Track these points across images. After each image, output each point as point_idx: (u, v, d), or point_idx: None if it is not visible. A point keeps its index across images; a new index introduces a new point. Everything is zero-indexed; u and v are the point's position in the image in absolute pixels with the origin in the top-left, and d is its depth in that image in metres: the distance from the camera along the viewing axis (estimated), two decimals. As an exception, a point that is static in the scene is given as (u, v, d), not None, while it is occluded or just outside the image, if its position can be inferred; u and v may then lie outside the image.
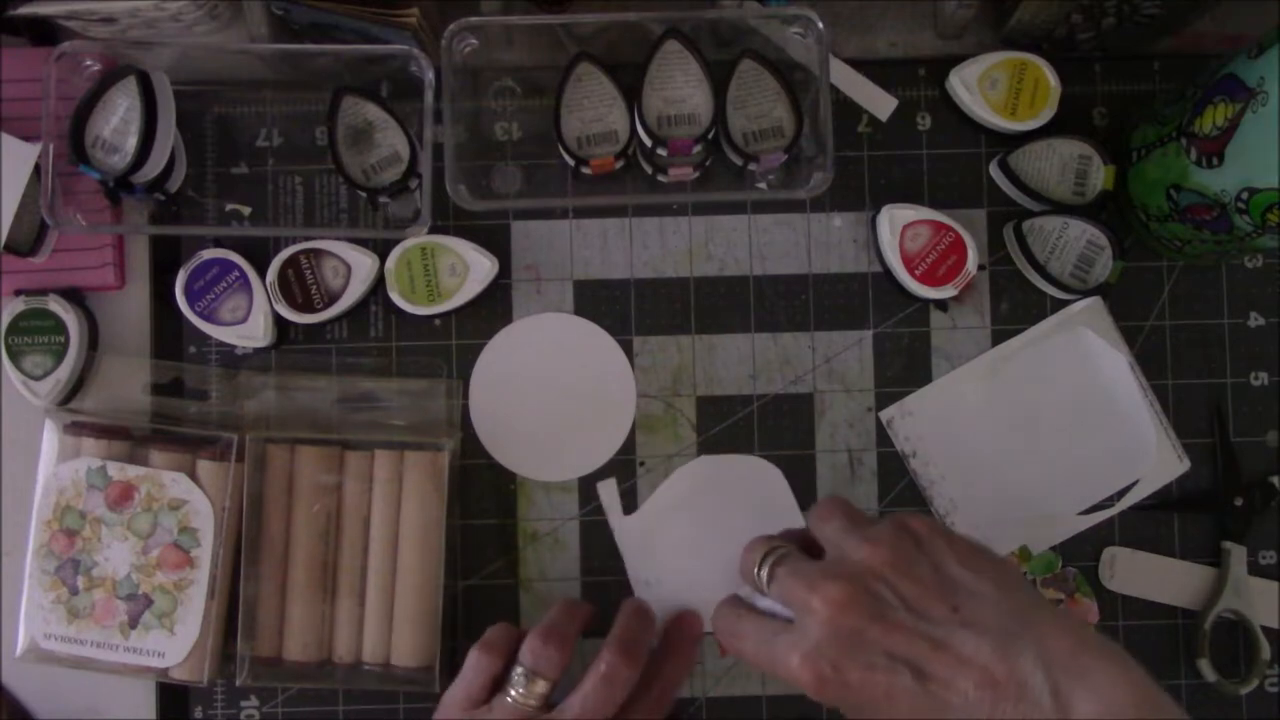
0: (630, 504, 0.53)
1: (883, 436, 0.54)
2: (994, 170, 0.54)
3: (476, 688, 0.47)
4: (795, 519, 0.53)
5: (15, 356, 0.51)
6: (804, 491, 0.53)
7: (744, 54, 0.51)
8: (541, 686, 0.46)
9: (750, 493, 0.53)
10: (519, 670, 0.46)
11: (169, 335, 0.54)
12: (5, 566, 0.52)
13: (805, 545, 0.45)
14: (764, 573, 0.43)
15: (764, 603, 0.44)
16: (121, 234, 0.53)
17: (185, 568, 0.50)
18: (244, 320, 0.52)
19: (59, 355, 0.51)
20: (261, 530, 0.51)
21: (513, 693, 0.46)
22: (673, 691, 0.49)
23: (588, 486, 0.53)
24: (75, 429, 0.51)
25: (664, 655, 0.49)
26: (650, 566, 0.53)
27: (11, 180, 0.50)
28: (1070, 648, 0.37)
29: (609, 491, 0.53)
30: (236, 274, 0.52)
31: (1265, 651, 0.52)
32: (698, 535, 0.52)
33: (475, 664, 0.47)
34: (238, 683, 0.50)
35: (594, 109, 0.51)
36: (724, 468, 0.53)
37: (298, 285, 0.52)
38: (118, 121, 0.50)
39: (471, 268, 0.52)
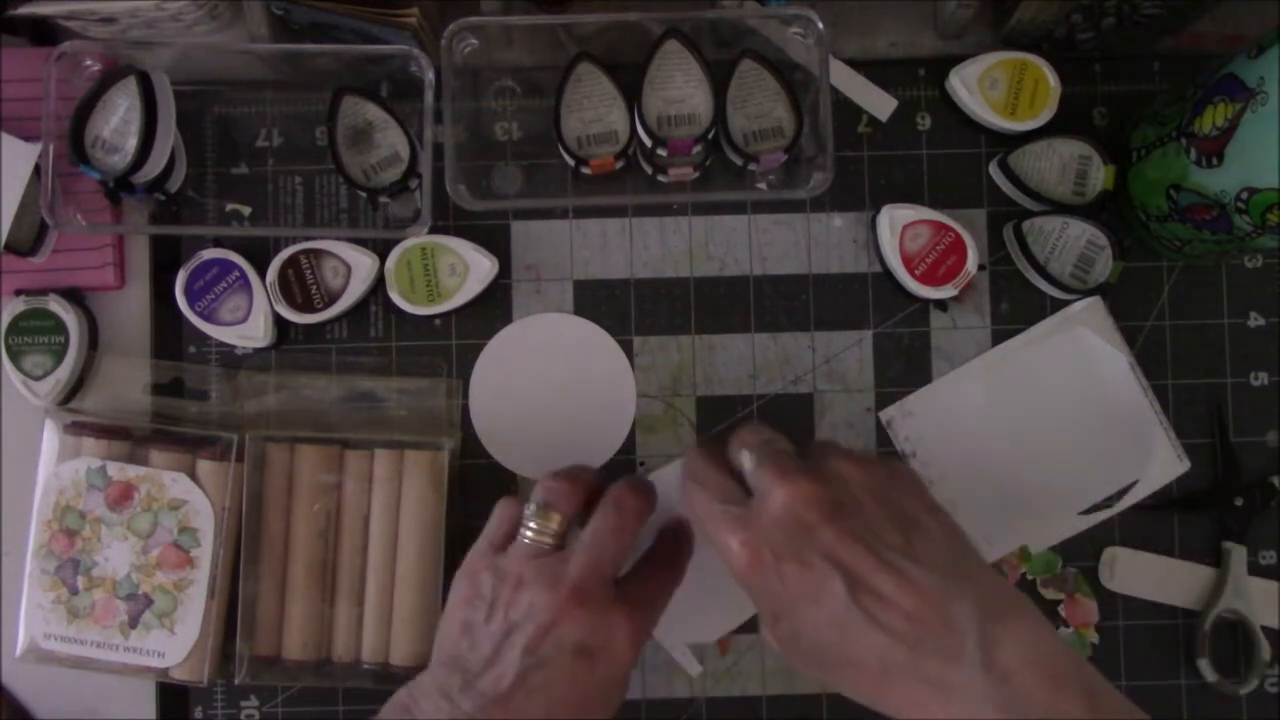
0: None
1: (883, 436, 0.54)
2: (994, 170, 0.54)
3: (499, 535, 0.46)
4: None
5: (15, 356, 0.51)
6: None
7: (744, 54, 0.51)
8: (555, 521, 0.45)
9: None
10: (532, 505, 0.46)
11: (169, 335, 0.54)
12: (5, 566, 0.52)
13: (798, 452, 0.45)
14: (750, 454, 0.43)
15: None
16: (121, 234, 0.53)
17: (185, 567, 0.50)
18: (244, 320, 0.52)
19: (59, 355, 0.51)
20: (261, 530, 0.51)
21: (528, 530, 0.45)
22: (675, 581, 0.48)
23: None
24: (75, 429, 0.51)
25: (664, 545, 0.49)
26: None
27: (11, 180, 0.50)
28: (1005, 602, 0.39)
29: None
30: (236, 274, 0.52)
31: (1265, 651, 0.52)
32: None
33: (499, 513, 0.47)
34: (237, 682, 0.50)
35: (594, 109, 0.51)
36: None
37: (298, 285, 0.52)
38: (118, 121, 0.50)
39: (471, 268, 0.52)
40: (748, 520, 0.40)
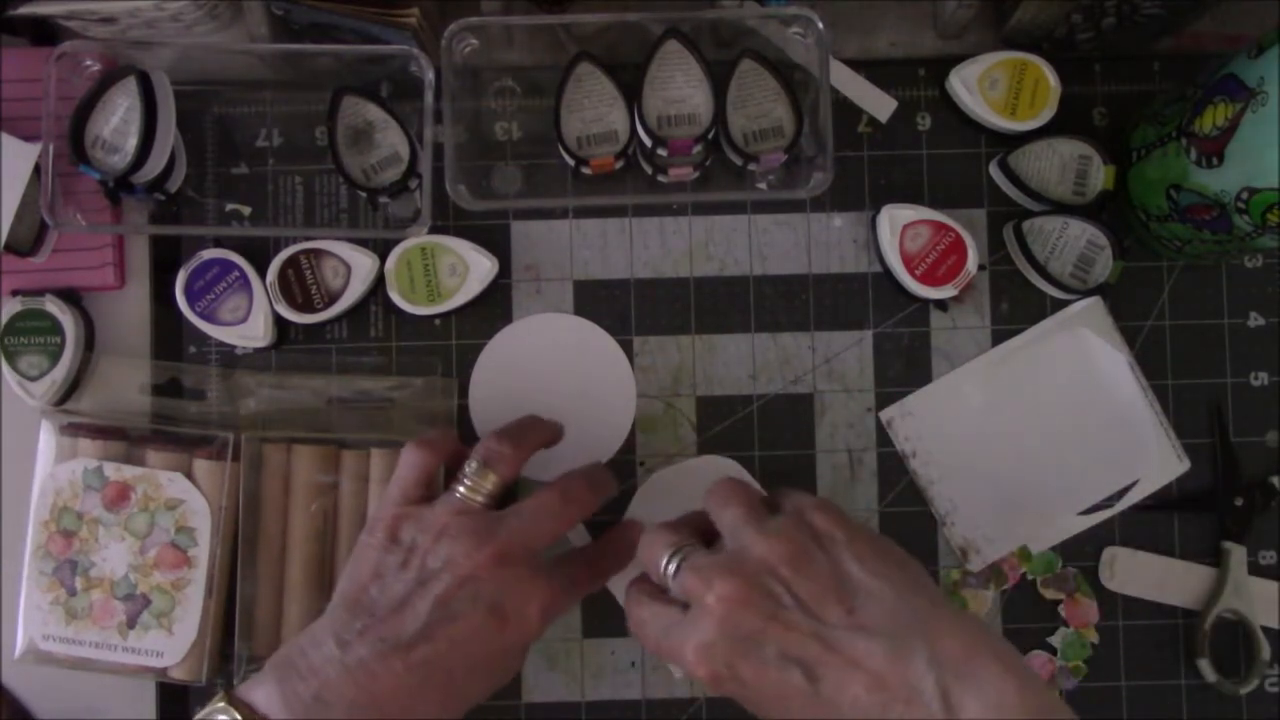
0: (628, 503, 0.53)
1: (883, 436, 0.54)
2: (994, 170, 0.54)
3: (411, 483, 0.45)
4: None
5: (11, 357, 0.51)
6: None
7: (744, 54, 0.51)
8: (491, 482, 0.45)
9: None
10: (472, 463, 0.45)
11: (169, 335, 0.54)
12: (4, 568, 0.52)
13: (707, 529, 0.44)
14: (670, 567, 0.42)
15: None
16: (121, 234, 0.53)
17: (183, 567, 0.50)
18: (244, 320, 0.52)
19: (55, 356, 0.51)
20: (258, 530, 0.51)
21: (462, 486, 0.44)
22: (601, 578, 0.48)
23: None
24: (72, 429, 0.51)
25: (603, 544, 0.49)
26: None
27: (11, 180, 0.50)
28: (962, 650, 0.37)
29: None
30: (236, 274, 0.52)
31: (1265, 651, 0.52)
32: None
33: (410, 459, 0.46)
34: (236, 682, 0.50)
35: (594, 109, 0.51)
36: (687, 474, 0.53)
37: (298, 285, 0.52)
38: (118, 121, 0.50)
39: (471, 268, 0.52)
40: (690, 636, 0.39)
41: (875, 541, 0.41)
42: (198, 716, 0.40)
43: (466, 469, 0.45)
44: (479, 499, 0.44)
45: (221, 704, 0.40)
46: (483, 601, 0.42)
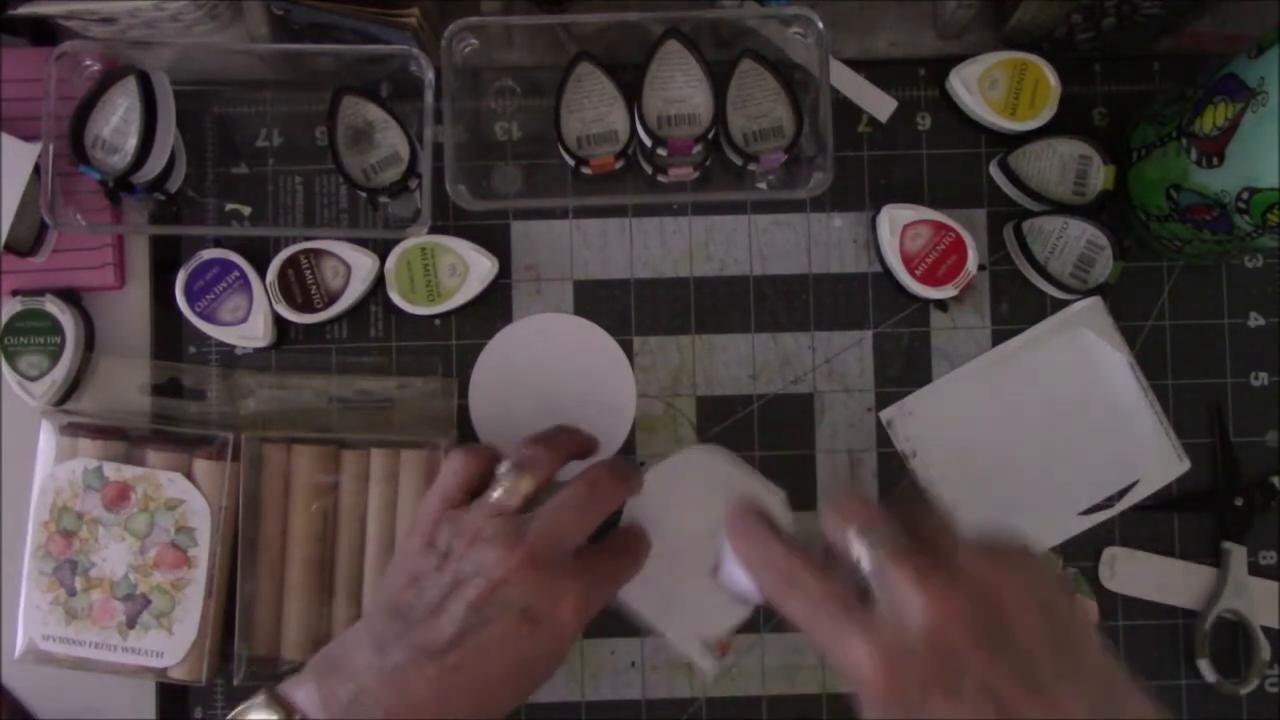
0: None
1: (883, 436, 0.54)
2: (994, 170, 0.54)
3: (453, 488, 0.45)
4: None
5: (11, 357, 0.51)
6: (804, 492, 0.53)
7: (744, 54, 0.51)
8: (526, 485, 0.44)
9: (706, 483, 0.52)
10: (505, 466, 0.45)
11: (169, 335, 0.54)
12: (4, 568, 0.52)
13: (907, 528, 0.38)
14: (865, 544, 0.37)
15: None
16: (121, 234, 0.53)
17: (182, 567, 0.50)
18: (244, 320, 0.52)
19: (55, 356, 0.51)
20: (258, 529, 0.51)
21: (497, 490, 0.44)
22: (628, 572, 0.47)
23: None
24: (71, 430, 0.51)
25: (621, 537, 0.48)
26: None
27: (11, 180, 0.50)
28: None
29: None
30: (236, 274, 0.52)
31: (1265, 651, 0.52)
32: (694, 525, 0.52)
33: (453, 465, 0.46)
34: (235, 682, 0.50)
35: (594, 109, 0.51)
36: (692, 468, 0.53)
37: (298, 285, 0.52)
38: (118, 121, 0.50)
39: (471, 268, 0.52)
40: (879, 633, 0.35)
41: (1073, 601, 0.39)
42: (238, 709, 0.41)
43: (500, 471, 0.45)
44: (514, 503, 0.44)
45: (262, 699, 0.40)
46: (514, 606, 0.41)
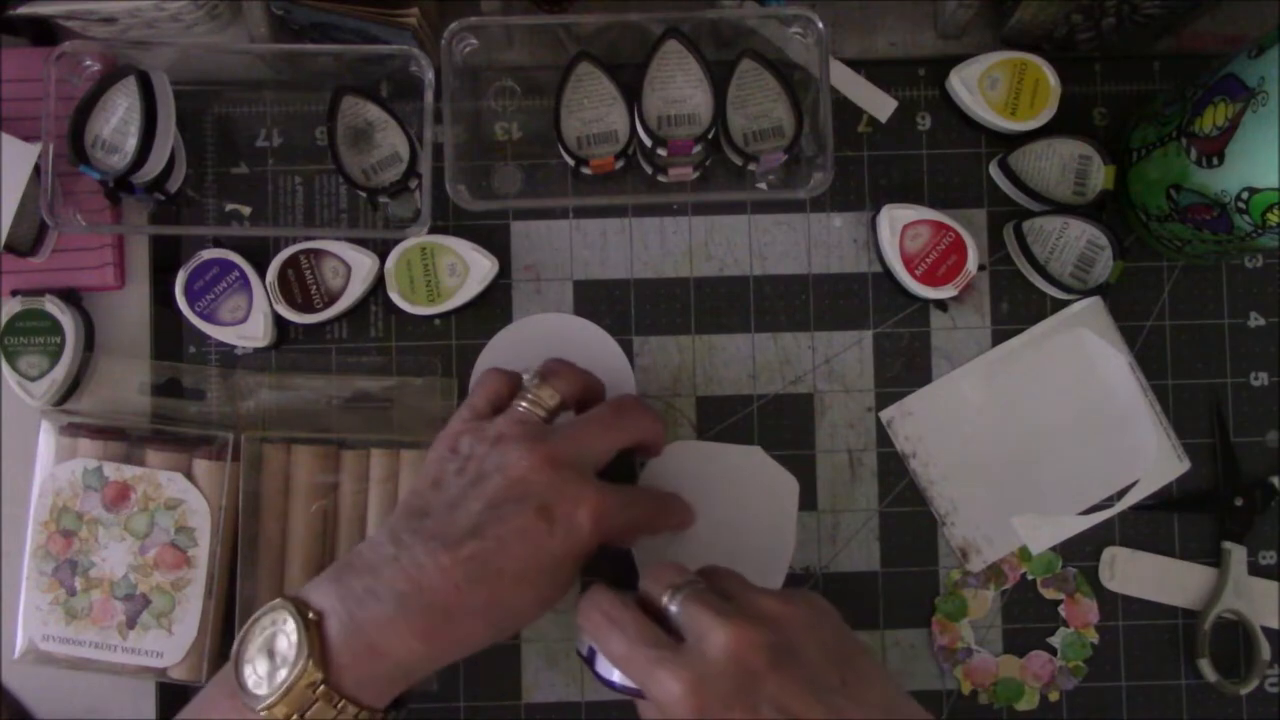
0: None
1: (883, 436, 0.54)
2: (994, 170, 0.54)
3: (481, 402, 0.46)
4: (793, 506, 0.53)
5: (11, 357, 0.51)
6: (804, 492, 0.53)
7: (744, 54, 0.51)
8: (550, 395, 0.45)
9: (745, 482, 0.53)
10: (529, 375, 0.46)
11: (169, 335, 0.54)
12: (3, 568, 0.52)
13: (712, 586, 0.43)
14: (674, 597, 0.41)
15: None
16: (121, 234, 0.53)
17: (182, 567, 0.50)
18: (244, 320, 0.52)
19: (54, 356, 0.51)
20: (258, 530, 0.51)
21: (522, 401, 0.45)
22: (661, 517, 0.48)
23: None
24: (71, 430, 0.51)
25: (668, 496, 0.49)
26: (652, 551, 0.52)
27: (11, 180, 0.50)
28: None
29: None
30: (236, 274, 0.52)
31: (1265, 651, 0.52)
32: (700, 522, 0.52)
33: (483, 382, 0.47)
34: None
35: (594, 109, 0.51)
36: (717, 456, 0.53)
37: (298, 285, 0.52)
38: (118, 121, 0.50)
39: (471, 268, 0.52)
40: (688, 664, 0.38)
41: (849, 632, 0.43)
42: (255, 615, 0.41)
43: (526, 380, 0.46)
44: (540, 413, 0.45)
45: (279, 601, 0.41)
46: (531, 501, 0.42)
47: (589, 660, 0.44)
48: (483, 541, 0.41)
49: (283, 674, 0.39)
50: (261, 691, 0.39)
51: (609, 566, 0.50)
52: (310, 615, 0.40)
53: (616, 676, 0.42)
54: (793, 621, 0.40)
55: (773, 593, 0.42)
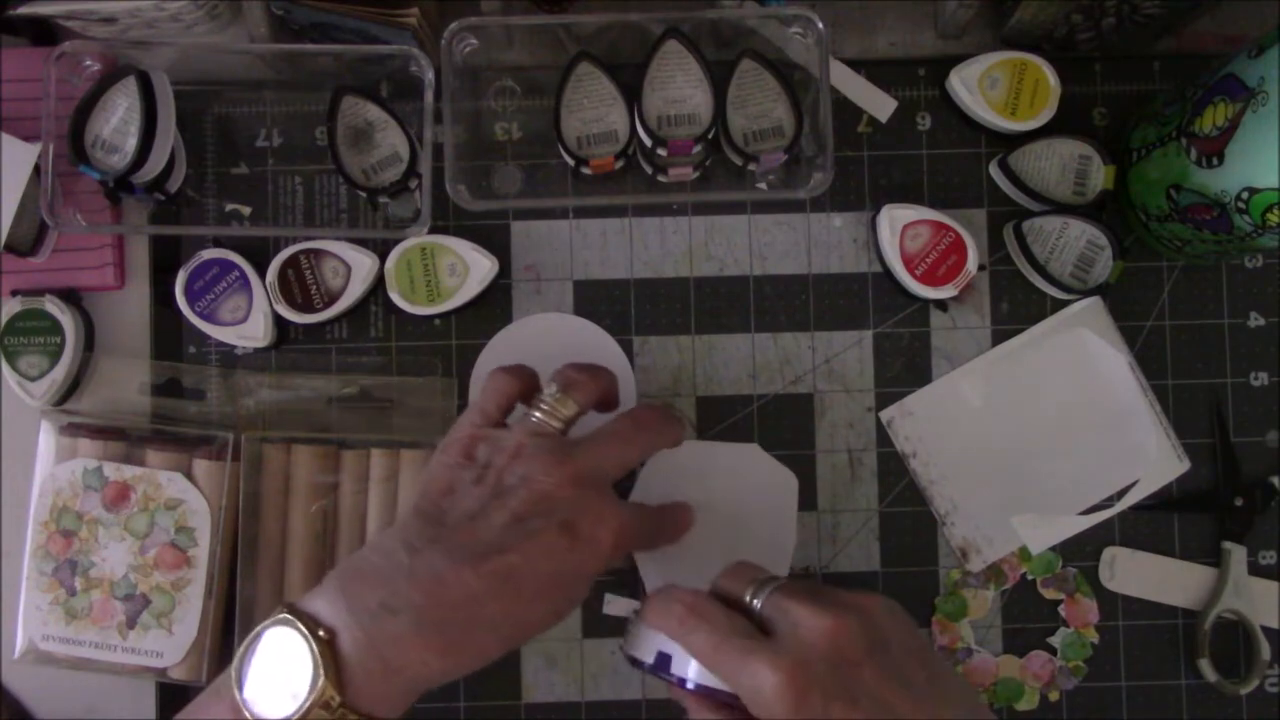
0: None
1: (883, 436, 0.54)
2: (994, 170, 0.54)
3: (492, 406, 0.45)
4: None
5: (11, 357, 0.51)
6: (804, 492, 0.53)
7: (744, 54, 0.51)
8: (569, 407, 0.45)
9: (744, 480, 0.53)
10: (553, 387, 0.45)
11: (169, 335, 0.54)
12: (3, 568, 0.52)
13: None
14: (759, 592, 0.41)
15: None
16: (121, 234, 0.53)
17: (182, 567, 0.50)
18: (244, 320, 0.52)
19: (54, 356, 0.51)
20: (258, 530, 0.51)
21: (539, 411, 0.44)
22: (664, 533, 0.48)
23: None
24: (71, 430, 0.51)
25: (665, 508, 0.49)
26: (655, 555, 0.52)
27: (11, 180, 0.50)
28: None
29: None
30: (236, 274, 0.52)
31: (1265, 651, 0.52)
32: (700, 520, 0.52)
33: (494, 383, 0.46)
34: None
35: (594, 109, 0.51)
36: (714, 455, 0.53)
37: (298, 285, 0.52)
38: (118, 121, 0.50)
39: (471, 268, 0.52)
40: (782, 653, 0.38)
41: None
42: (256, 630, 0.40)
43: (545, 393, 0.45)
44: (556, 424, 0.44)
45: (283, 614, 0.39)
46: (556, 518, 0.41)
47: (655, 665, 0.42)
48: (507, 556, 0.40)
49: (299, 696, 0.38)
50: (274, 715, 0.38)
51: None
52: (321, 634, 0.39)
53: (692, 673, 0.41)
54: (878, 614, 0.40)
55: (848, 590, 0.42)
